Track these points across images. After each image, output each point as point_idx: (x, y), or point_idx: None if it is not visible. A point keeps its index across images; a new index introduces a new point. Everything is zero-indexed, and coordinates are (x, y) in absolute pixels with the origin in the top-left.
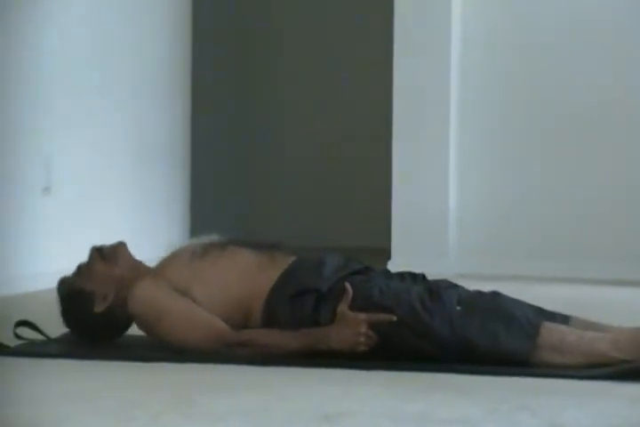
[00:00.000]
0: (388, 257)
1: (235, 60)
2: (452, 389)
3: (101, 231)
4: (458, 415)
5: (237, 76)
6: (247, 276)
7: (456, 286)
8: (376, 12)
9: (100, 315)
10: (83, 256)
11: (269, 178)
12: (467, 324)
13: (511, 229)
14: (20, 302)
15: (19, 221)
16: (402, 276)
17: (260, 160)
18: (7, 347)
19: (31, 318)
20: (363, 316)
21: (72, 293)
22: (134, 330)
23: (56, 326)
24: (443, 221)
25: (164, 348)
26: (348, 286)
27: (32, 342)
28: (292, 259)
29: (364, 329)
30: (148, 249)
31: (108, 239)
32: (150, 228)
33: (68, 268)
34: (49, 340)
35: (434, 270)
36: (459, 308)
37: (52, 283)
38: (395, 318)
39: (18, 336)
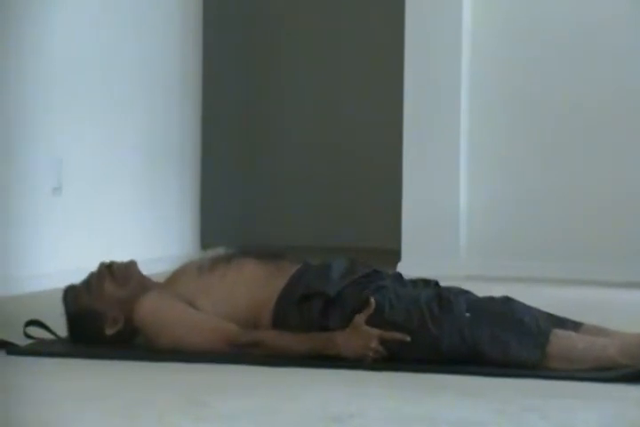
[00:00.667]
0: (399, 258)
1: (245, 61)
2: (459, 390)
3: (111, 232)
4: (465, 417)
5: (248, 78)
6: (255, 287)
7: (466, 293)
8: (387, 8)
9: (110, 336)
10: (93, 256)
11: (280, 179)
12: (476, 332)
13: (521, 231)
14: (30, 301)
15: (29, 221)
16: (414, 283)
17: (271, 161)
18: (17, 346)
19: (41, 318)
20: (376, 332)
21: (82, 312)
22: None
23: (65, 327)
24: (453, 223)
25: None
26: (372, 301)
27: (42, 342)
28: (298, 267)
29: (374, 344)
30: (159, 249)
31: (118, 240)
32: (161, 228)
33: (78, 268)
34: (58, 339)
35: (444, 272)
36: (468, 315)
37: (62, 283)
38: (408, 339)
39: (28, 335)
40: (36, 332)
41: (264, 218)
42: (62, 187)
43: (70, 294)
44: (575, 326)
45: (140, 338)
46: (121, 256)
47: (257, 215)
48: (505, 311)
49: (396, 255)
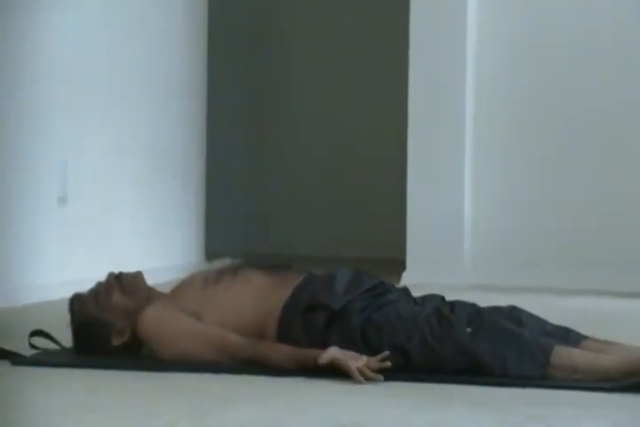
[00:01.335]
0: (403, 268)
1: (251, 69)
2: (464, 400)
3: (116, 242)
4: (470, 426)
5: (253, 87)
6: (260, 297)
7: (471, 306)
8: (392, 10)
9: (116, 346)
10: (98, 266)
11: (285, 189)
12: (476, 347)
13: (526, 240)
14: (35, 311)
15: (34, 231)
16: (422, 299)
17: (276, 171)
18: (22, 356)
19: (46, 328)
20: (370, 375)
21: (89, 322)
22: None
23: (70, 336)
24: (458, 232)
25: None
26: (387, 358)
27: (47, 352)
28: (302, 277)
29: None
30: (164, 259)
31: (122, 250)
32: (165, 238)
33: (83, 278)
34: (63, 349)
35: (449, 281)
36: (469, 330)
37: (67, 293)
38: (389, 364)
39: (32, 346)
40: (40, 342)
41: (269, 228)
42: (67, 197)
43: (77, 303)
44: (579, 337)
45: (145, 349)
46: (126, 266)
47: (262, 225)
48: (507, 327)
49: (400, 265)
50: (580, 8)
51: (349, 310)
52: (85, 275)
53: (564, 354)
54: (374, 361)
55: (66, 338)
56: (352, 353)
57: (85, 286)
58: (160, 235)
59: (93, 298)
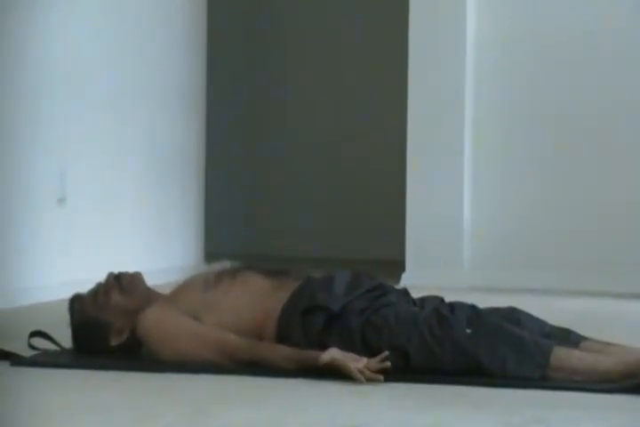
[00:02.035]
0: (403, 270)
1: (249, 71)
2: (465, 401)
3: (115, 243)
4: None
5: (252, 89)
6: (259, 299)
7: (470, 307)
8: (391, 12)
9: (114, 346)
10: (97, 267)
11: (284, 191)
12: (476, 348)
13: (525, 242)
14: (34, 312)
15: (33, 232)
16: (421, 300)
17: (275, 173)
18: (21, 357)
19: (45, 329)
20: (370, 375)
21: (88, 321)
22: None
23: (70, 337)
24: (457, 234)
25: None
26: (386, 359)
27: (46, 353)
28: (301, 280)
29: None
30: (163, 261)
31: (121, 252)
32: (164, 240)
33: (82, 279)
34: (63, 350)
35: (448, 283)
36: (469, 331)
37: (66, 294)
38: (388, 364)
39: (32, 347)
40: (39, 343)
41: (268, 230)
42: (66, 198)
43: (76, 303)
44: (579, 338)
45: (144, 349)
46: (125, 267)
47: (261, 227)
48: (506, 328)
49: (400, 266)
50: (579, 10)
51: (348, 312)
52: (85, 276)
53: (563, 355)
54: (374, 362)
55: (65, 339)
56: (352, 355)
57: (85, 287)
58: (159, 237)
59: (92, 298)
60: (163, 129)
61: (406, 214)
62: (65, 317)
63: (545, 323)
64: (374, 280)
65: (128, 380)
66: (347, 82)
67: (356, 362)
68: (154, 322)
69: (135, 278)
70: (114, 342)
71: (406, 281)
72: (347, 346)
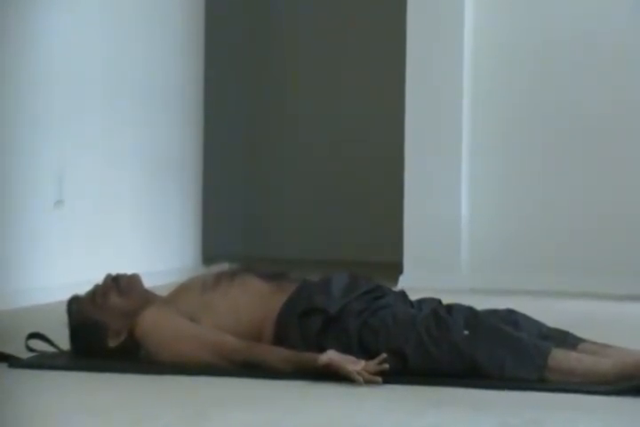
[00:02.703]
0: (401, 272)
1: (247, 74)
2: (463, 403)
3: (113, 245)
4: None
5: (249, 92)
6: (257, 302)
7: (468, 309)
8: (390, 13)
9: (112, 348)
10: (95, 269)
11: (282, 193)
12: (474, 349)
13: (523, 244)
14: (32, 314)
15: (31, 234)
16: (418, 302)
17: (273, 175)
18: (19, 359)
19: (43, 331)
20: (368, 377)
21: (86, 322)
22: None
23: (67, 339)
24: (455, 236)
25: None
26: (384, 360)
27: (44, 355)
28: (299, 283)
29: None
30: (161, 262)
31: (119, 254)
32: (162, 242)
33: (80, 281)
34: (61, 352)
35: (446, 285)
36: (466, 332)
37: (65, 295)
38: (386, 366)
39: (30, 348)
40: (37, 345)
41: (266, 231)
42: (65, 200)
43: (74, 304)
44: (577, 340)
45: (142, 351)
46: (123, 269)
47: (259, 229)
48: (504, 329)
49: (398, 268)
50: (578, 11)
51: (346, 314)
52: (83, 278)
53: (561, 357)
54: (372, 364)
55: (63, 341)
56: (350, 357)
57: (83, 288)
58: (158, 238)
59: (90, 299)
60: (161, 130)
61: (404, 216)
62: (63, 318)
63: (542, 325)
64: (372, 282)
65: (126, 382)
66: (346, 82)
67: (353, 364)
68: (151, 324)
69: (133, 280)
70: (111, 343)
71: (404, 283)
72: (344, 348)
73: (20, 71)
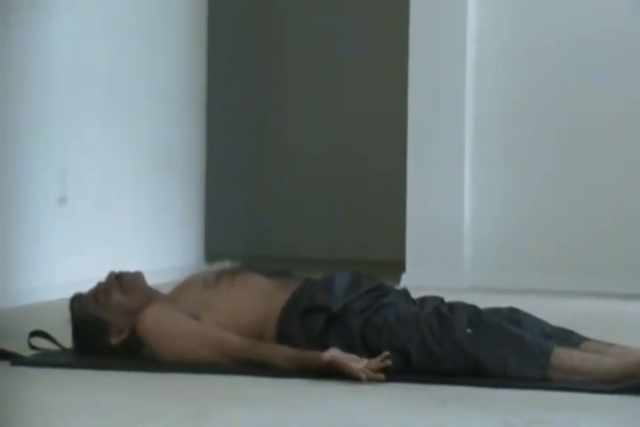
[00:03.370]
0: (403, 270)
1: (250, 68)
2: (465, 402)
3: (116, 243)
4: None
5: (253, 91)
6: (259, 300)
7: (471, 307)
8: (391, 11)
9: (114, 345)
10: (98, 267)
11: (284, 192)
12: (477, 348)
13: (526, 243)
14: (35, 312)
15: (34, 231)
16: (421, 300)
17: (275, 173)
18: (21, 357)
19: (45, 329)
20: (371, 375)
21: (89, 320)
22: None
23: (70, 337)
24: (457, 235)
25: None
26: (387, 358)
27: (46, 352)
28: (301, 281)
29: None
30: (164, 260)
31: (122, 251)
32: (165, 239)
33: (82, 279)
34: (63, 350)
35: (448, 283)
36: (469, 331)
37: (67, 293)
38: (389, 362)
39: (32, 346)
40: (40, 343)
41: (268, 230)
42: (67, 198)
43: (77, 302)
44: (580, 339)
45: (144, 349)
46: (125, 267)
47: (261, 227)
48: (507, 328)
49: (400, 267)
50: (579, 11)
51: (349, 312)
52: (86, 276)
53: (564, 356)
54: (375, 362)
55: (65, 339)
56: (352, 356)
57: (86, 286)
58: (160, 236)
59: (93, 297)
60: (163, 129)
61: (406, 215)
62: (66, 316)
63: (545, 323)
64: (374, 281)
65: (129, 380)
66: (347, 82)
67: (356, 363)
68: (154, 321)
69: (136, 278)
70: (114, 341)
71: (406, 282)
72: (347, 346)
73: (23, 70)
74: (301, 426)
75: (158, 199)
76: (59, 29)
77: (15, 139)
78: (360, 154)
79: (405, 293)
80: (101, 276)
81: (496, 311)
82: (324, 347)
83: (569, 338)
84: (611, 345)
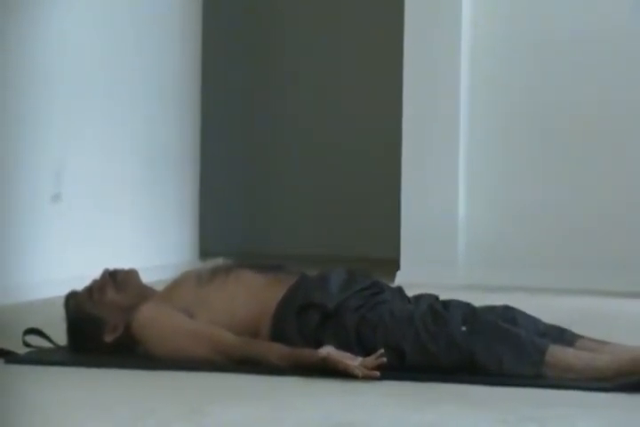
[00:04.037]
0: (398, 268)
1: (246, 70)
2: (461, 399)
3: (110, 240)
4: (467, 426)
5: (247, 88)
6: (253, 297)
7: (466, 305)
8: (388, 14)
9: (108, 343)
10: (93, 264)
11: (279, 189)
12: (472, 345)
13: (520, 240)
14: (29, 309)
15: (28, 228)
16: (416, 298)
17: (270, 171)
18: (16, 354)
19: (40, 326)
20: (366, 372)
21: (83, 317)
22: None
23: (65, 334)
24: (452, 232)
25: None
26: (382, 355)
27: (41, 350)
28: (296, 278)
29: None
30: (158, 257)
31: (116, 248)
32: (160, 237)
33: (76, 276)
34: (58, 347)
35: (443, 281)
36: (464, 328)
37: (63, 290)
38: (384, 360)
39: (26, 344)
40: (34, 340)
41: (263, 227)
42: (63, 195)
43: (72, 299)
44: (573, 337)
45: (139, 347)
46: (120, 264)
47: (256, 224)
48: (502, 325)
49: (395, 265)
50: (577, 8)
51: (343, 310)
52: (80, 273)
53: (558, 353)
54: (370, 360)
55: (60, 336)
56: (347, 354)
57: (81, 284)
58: (155, 234)
59: (88, 294)
60: (159, 127)
61: (401, 213)
62: (61, 313)
63: (540, 321)
64: (369, 278)
65: (123, 378)
66: (345, 81)
67: (351, 360)
68: (148, 319)
69: (130, 275)
70: (108, 338)
71: (401, 279)
72: (342, 344)
73: (20, 69)
74: (296, 423)
75: (153, 196)
76: (56, 29)
77: (11, 137)
78: (355, 152)
79: (400, 290)
80: (96, 273)
81: (491, 309)
82: (319, 344)
83: (563, 336)
84: (605, 343)
